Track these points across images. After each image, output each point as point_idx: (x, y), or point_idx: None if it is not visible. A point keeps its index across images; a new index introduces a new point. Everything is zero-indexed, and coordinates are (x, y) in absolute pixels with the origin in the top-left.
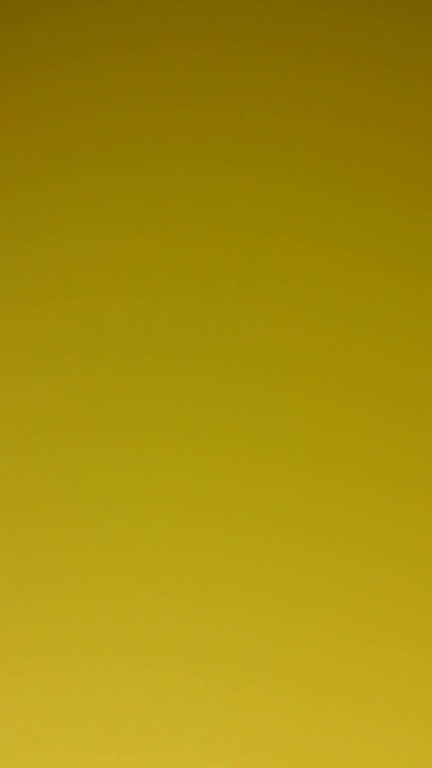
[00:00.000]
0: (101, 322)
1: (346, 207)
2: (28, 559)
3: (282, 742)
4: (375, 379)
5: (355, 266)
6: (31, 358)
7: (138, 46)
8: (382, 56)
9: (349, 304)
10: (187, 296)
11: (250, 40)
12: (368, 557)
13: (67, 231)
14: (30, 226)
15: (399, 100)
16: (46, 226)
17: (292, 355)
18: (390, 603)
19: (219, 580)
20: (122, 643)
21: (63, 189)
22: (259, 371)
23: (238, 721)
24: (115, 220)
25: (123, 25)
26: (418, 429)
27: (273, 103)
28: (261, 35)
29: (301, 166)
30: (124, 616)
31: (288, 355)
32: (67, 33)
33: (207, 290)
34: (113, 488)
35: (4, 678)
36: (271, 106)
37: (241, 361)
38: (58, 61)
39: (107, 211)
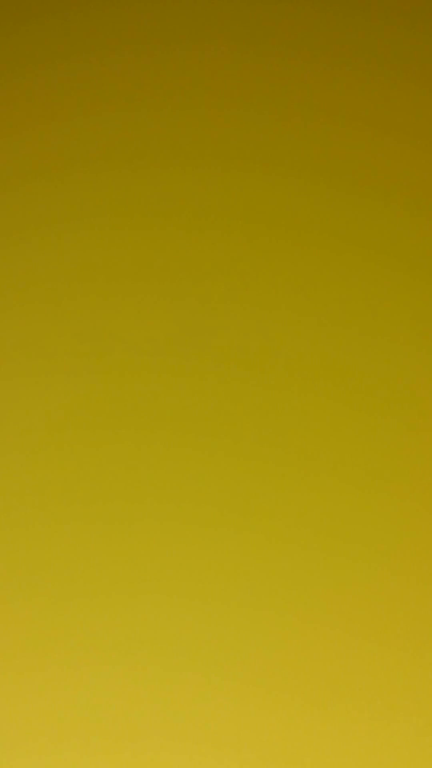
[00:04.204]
0: (101, 323)
1: (346, 207)
2: (28, 559)
3: (282, 741)
4: (374, 380)
5: (354, 267)
6: (31, 358)
7: (138, 46)
8: (382, 56)
9: (348, 305)
10: (187, 297)
11: (251, 40)
12: (368, 557)
13: (67, 231)
14: (30, 226)
15: (399, 100)
16: (47, 226)
17: (291, 355)
18: (390, 602)
19: (219, 580)
20: (122, 642)
21: (63, 189)
22: (258, 372)
23: (238, 720)
24: (114, 220)
25: (123, 25)
26: (417, 429)
27: (273, 103)
28: (261, 35)
29: (300, 166)
30: (123, 615)
31: (287, 355)
32: (67, 33)
33: (206, 291)
34: (113, 488)
35: (5, 678)
36: (271, 106)
37: (241, 361)
38: (58, 61)
39: (107, 211)
